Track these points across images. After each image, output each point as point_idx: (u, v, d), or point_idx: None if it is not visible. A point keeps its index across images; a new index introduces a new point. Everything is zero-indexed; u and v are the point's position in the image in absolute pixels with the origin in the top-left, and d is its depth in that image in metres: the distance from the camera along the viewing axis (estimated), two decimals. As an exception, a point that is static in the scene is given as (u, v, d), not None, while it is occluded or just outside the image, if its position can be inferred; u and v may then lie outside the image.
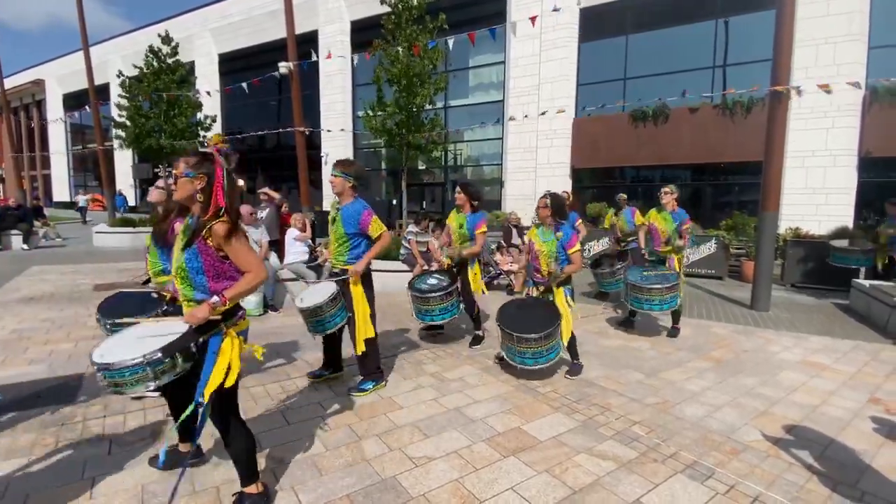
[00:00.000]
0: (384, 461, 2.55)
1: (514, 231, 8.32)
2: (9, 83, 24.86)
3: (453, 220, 4.60)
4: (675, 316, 5.07)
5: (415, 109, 11.53)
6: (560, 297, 3.82)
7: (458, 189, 4.63)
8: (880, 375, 4.00)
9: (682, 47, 13.05)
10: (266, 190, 7.28)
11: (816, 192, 11.05)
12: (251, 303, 5.51)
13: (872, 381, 3.86)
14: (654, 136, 13.02)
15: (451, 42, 10.46)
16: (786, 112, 6.32)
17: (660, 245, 5.12)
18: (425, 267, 5.96)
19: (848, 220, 10.46)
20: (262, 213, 6.76)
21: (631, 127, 13.29)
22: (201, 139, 16.58)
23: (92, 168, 33.08)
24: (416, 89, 11.29)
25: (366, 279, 3.46)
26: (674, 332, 5.10)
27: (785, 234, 9.08)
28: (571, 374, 3.85)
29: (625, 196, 7.50)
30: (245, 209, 5.77)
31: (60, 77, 31.53)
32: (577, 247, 3.80)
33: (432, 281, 4.50)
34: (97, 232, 13.07)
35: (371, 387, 3.48)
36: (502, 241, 8.24)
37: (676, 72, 12.98)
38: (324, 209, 17.84)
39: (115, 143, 16.09)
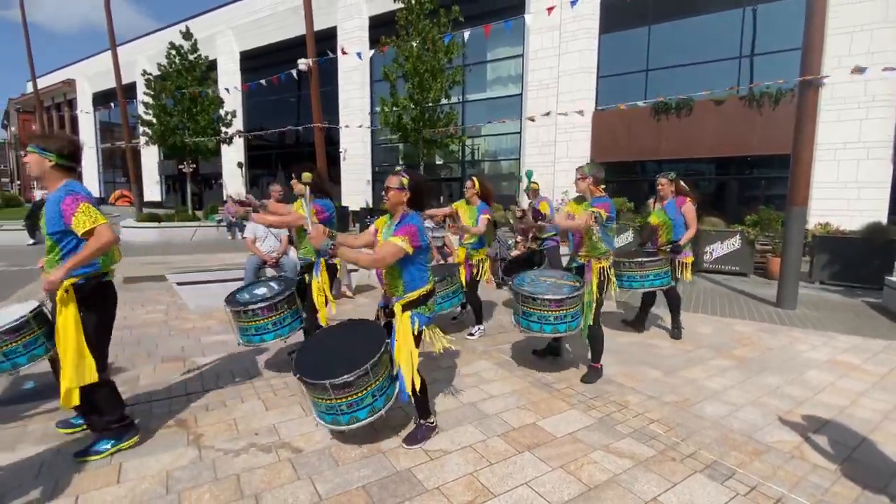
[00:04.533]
0: (399, 454, 2.58)
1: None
2: (42, 83, 25.80)
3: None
4: (594, 351, 3.69)
5: (429, 104, 11.51)
6: (405, 325, 2.58)
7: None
8: (914, 377, 3.85)
9: (708, 37, 12.70)
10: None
11: (848, 186, 10.64)
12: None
13: (905, 383, 3.71)
14: (676, 129, 12.73)
15: (466, 34, 10.39)
16: (816, 103, 6.10)
17: (579, 246, 3.71)
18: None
19: (882, 216, 10.05)
20: None
21: (653, 119, 13.02)
22: (222, 136, 16.92)
23: (120, 164, 34.17)
24: (429, 83, 11.27)
25: (93, 297, 2.40)
26: (591, 375, 3.64)
27: (814, 230, 8.78)
28: (409, 443, 2.64)
29: (536, 184, 6.09)
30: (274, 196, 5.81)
31: (90, 77, 32.58)
32: (399, 241, 2.46)
33: (261, 290, 3.50)
34: (125, 227, 13.56)
35: (109, 447, 2.49)
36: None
37: (701, 62, 12.65)
38: (342, 204, 18.04)
39: (142, 140, 16.59)
